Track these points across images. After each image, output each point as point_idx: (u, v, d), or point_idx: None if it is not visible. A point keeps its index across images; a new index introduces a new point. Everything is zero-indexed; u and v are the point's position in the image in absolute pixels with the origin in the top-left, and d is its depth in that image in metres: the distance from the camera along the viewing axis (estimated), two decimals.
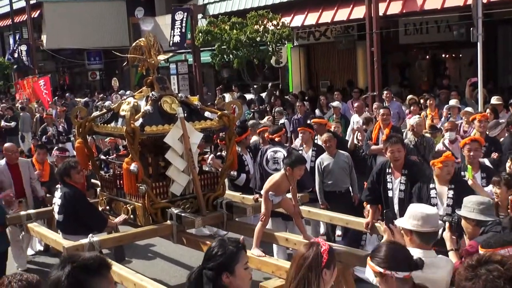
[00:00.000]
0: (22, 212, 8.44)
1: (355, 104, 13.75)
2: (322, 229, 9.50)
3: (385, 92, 14.30)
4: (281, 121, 14.89)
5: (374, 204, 6.99)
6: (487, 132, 9.16)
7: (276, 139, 8.93)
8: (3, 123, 20.28)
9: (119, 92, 25.90)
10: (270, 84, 22.35)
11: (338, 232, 9.17)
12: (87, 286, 2.82)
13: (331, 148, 8.79)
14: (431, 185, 6.30)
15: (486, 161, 8.07)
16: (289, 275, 3.47)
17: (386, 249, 3.62)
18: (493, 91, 14.88)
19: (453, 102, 12.20)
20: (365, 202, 7.32)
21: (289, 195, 6.71)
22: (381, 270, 3.53)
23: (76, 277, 2.79)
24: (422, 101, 13.92)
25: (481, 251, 3.77)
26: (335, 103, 14.21)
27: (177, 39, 23.37)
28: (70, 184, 7.47)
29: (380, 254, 3.61)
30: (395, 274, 3.51)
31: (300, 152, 9.74)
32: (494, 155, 8.20)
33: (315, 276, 3.35)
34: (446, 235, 4.83)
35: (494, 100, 11.89)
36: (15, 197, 9.12)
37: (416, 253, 4.10)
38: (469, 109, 11.24)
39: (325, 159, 8.78)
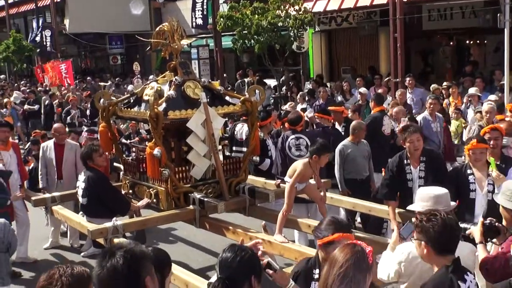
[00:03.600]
0: (47, 195, 8.55)
1: (379, 91, 13.66)
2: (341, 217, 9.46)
3: (407, 78, 14.18)
4: (302, 106, 14.83)
5: (394, 200, 6.83)
6: None
7: (299, 129, 8.86)
8: (26, 106, 20.45)
9: (138, 76, 26.01)
10: (288, 74, 22.22)
11: (359, 219, 9.14)
12: (142, 270, 2.87)
13: (360, 136, 8.73)
14: (469, 171, 6.24)
15: None
16: (331, 275, 3.15)
17: (327, 221, 3.96)
18: None
19: (472, 90, 12.04)
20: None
21: (311, 181, 6.74)
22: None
23: (131, 261, 2.83)
24: (443, 91, 13.76)
25: None
26: (362, 89, 14.13)
27: (199, 21, 23.42)
28: (93, 168, 7.54)
29: (323, 226, 3.93)
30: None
31: None
32: None
33: (363, 277, 3.12)
34: (476, 228, 4.72)
35: None
36: (57, 178, 9.34)
37: None
38: (492, 97, 11.09)
39: (348, 146, 8.68)
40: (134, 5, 30.01)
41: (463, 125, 11.21)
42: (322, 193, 6.93)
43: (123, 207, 7.40)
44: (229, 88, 17.94)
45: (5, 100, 21.17)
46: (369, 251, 3.27)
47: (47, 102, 19.81)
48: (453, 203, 4.52)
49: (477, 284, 3.75)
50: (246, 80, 20.47)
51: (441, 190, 4.43)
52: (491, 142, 6.72)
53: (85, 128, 13.31)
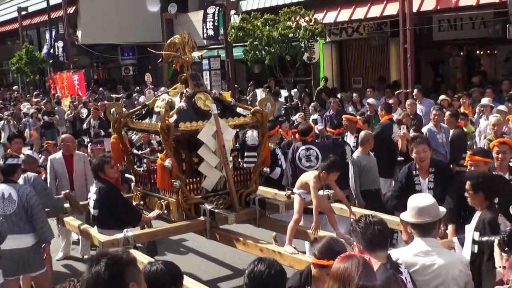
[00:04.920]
0: None
1: (391, 101, 13.68)
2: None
3: (415, 90, 14.19)
4: (314, 116, 14.88)
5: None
6: None
7: (309, 140, 8.91)
8: (45, 117, 20.61)
9: (151, 87, 26.17)
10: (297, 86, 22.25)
11: None
12: (125, 275, 2.98)
13: (370, 147, 8.79)
14: None
15: None
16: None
17: (325, 243, 3.98)
18: None
19: (485, 100, 12.02)
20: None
21: (320, 192, 6.80)
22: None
23: (114, 268, 2.95)
24: (453, 102, 13.72)
25: None
26: (371, 100, 14.17)
27: (210, 32, 23.55)
28: (104, 179, 7.55)
29: (321, 247, 3.93)
30: None
31: None
32: None
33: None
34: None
35: None
36: (70, 189, 9.31)
37: (415, 241, 4.30)
38: (502, 107, 11.08)
39: (362, 157, 8.72)
40: (150, 2, 30.26)
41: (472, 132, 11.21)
42: (344, 206, 7.05)
43: (134, 218, 7.44)
44: (242, 98, 18.02)
45: (31, 111, 21.37)
46: (369, 259, 3.36)
47: (85, 110, 19.59)
48: (442, 210, 4.48)
49: (409, 272, 3.99)
50: (257, 91, 20.58)
51: (426, 201, 4.39)
52: (499, 156, 6.70)
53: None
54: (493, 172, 6.63)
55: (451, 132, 10.44)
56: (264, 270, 3.51)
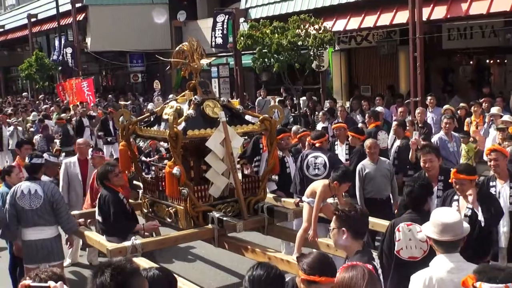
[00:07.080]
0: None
1: (400, 109, 13.62)
2: None
3: (429, 97, 14.11)
4: (324, 124, 14.84)
5: None
6: None
7: (317, 145, 8.86)
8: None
9: (159, 93, 26.22)
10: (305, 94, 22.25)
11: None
12: (130, 285, 2.97)
13: (375, 155, 8.72)
14: (455, 197, 6.13)
15: None
16: None
17: (315, 258, 3.75)
18: None
19: (494, 109, 11.93)
20: None
21: (330, 200, 6.75)
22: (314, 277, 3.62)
23: (119, 278, 2.94)
24: (459, 111, 13.65)
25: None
26: (379, 108, 14.11)
27: (219, 40, 23.61)
28: (109, 187, 7.47)
29: (310, 262, 3.72)
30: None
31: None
32: None
33: None
34: None
35: None
36: (83, 194, 9.45)
37: (440, 258, 4.17)
38: (506, 117, 10.99)
39: (367, 165, 8.68)
40: (157, 14, 30.45)
41: (474, 149, 11.15)
42: None
43: (122, 231, 7.23)
44: (249, 107, 17.99)
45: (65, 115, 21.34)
46: (372, 267, 3.42)
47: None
48: (466, 227, 4.32)
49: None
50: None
51: (452, 218, 4.23)
52: (491, 163, 6.73)
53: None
54: (490, 183, 6.62)
55: (398, 142, 10.33)
56: (262, 274, 3.50)
